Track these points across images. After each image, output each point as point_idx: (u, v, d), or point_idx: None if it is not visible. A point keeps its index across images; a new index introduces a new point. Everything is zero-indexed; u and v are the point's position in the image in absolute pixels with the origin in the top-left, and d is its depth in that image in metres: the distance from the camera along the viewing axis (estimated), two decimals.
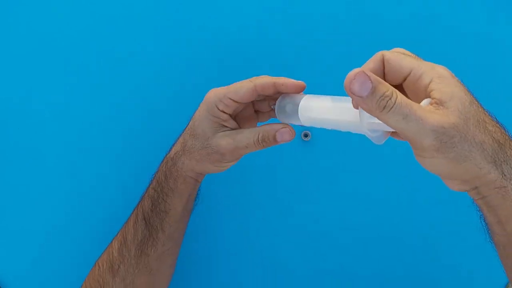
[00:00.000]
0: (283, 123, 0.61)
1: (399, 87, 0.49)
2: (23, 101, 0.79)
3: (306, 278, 0.80)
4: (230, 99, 0.61)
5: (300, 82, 0.59)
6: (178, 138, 0.67)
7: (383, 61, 0.48)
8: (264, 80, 0.60)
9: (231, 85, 0.62)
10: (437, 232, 0.80)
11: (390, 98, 0.43)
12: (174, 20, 0.80)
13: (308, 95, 0.60)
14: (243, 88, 0.60)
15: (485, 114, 0.46)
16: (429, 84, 0.46)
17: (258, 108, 0.66)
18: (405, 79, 0.48)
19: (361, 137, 0.55)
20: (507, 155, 0.46)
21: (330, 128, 0.57)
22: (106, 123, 0.80)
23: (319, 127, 0.58)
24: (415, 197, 0.80)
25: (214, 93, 0.62)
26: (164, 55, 0.80)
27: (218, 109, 0.61)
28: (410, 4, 0.79)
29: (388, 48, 0.50)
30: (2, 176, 0.79)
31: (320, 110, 0.57)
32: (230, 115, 0.62)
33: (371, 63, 0.49)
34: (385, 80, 0.48)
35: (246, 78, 0.62)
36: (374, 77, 0.44)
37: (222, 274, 0.80)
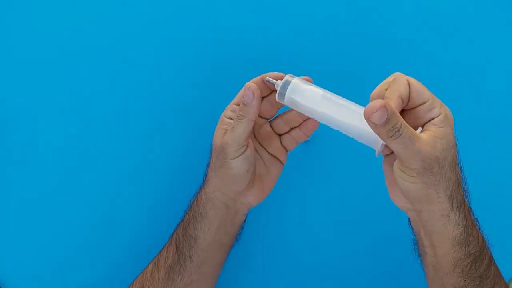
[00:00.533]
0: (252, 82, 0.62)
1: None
2: (23, 101, 0.79)
3: (307, 279, 0.80)
4: (235, 104, 0.64)
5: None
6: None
7: (408, 86, 0.54)
8: (256, 79, 0.63)
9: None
10: None
11: (398, 130, 0.51)
12: (174, 21, 0.80)
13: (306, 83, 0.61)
14: (241, 91, 0.63)
15: (457, 158, 0.56)
16: (435, 118, 0.54)
17: (276, 130, 0.67)
18: (417, 106, 0.55)
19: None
20: (459, 193, 0.56)
21: (318, 120, 0.60)
22: (106, 123, 0.80)
23: (307, 114, 0.60)
24: None
25: (226, 109, 0.65)
26: (164, 56, 0.80)
27: (226, 117, 0.64)
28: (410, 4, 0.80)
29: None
30: (2, 176, 0.79)
31: (315, 99, 0.59)
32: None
33: (397, 92, 0.54)
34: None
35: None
36: (391, 110, 0.51)
37: (222, 274, 0.80)
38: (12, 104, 0.79)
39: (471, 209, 0.59)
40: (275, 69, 0.77)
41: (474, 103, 0.80)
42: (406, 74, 0.56)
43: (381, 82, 0.56)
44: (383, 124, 0.51)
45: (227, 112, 0.65)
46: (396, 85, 0.54)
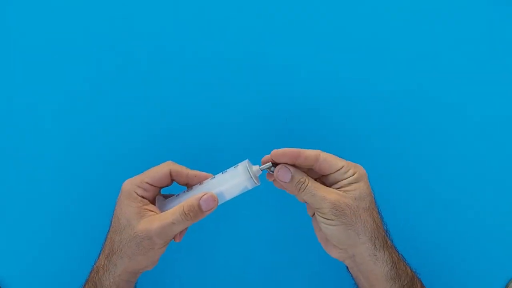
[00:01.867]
0: (203, 192, 0.63)
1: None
2: (23, 102, 0.79)
3: (308, 280, 0.81)
4: (147, 183, 0.64)
5: (209, 174, 0.66)
6: (104, 243, 0.66)
7: (318, 159, 0.63)
8: (179, 168, 0.65)
9: (146, 171, 0.66)
10: (437, 233, 0.80)
11: (303, 183, 0.62)
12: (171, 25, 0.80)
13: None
14: (158, 172, 0.65)
15: (374, 206, 0.64)
16: (350, 177, 0.63)
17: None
18: (333, 172, 0.63)
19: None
20: (380, 234, 0.64)
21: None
22: (106, 124, 0.80)
23: None
24: (415, 198, 0.80)
25: (130, 182, 0.65)
26: (165, 56, 0.80)
27: (137, 194, 0.64)
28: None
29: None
30: (2, 177, 0.79)
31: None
32: (150, 200, 0.65)
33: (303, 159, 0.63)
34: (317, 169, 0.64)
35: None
36: (293, 169, 0.63)
37: (223, 275, 0.80)
38: (12, 104, 0.79)
39: (394, 246, 0.66)
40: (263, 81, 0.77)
41: (474, 104, 0.80)
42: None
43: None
44: (290, 180, 0.62)
45: (138, 189, 0.64)
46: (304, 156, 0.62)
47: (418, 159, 0.80)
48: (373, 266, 0.64)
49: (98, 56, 0.79)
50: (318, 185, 0.63)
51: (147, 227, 0.62)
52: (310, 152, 0.62)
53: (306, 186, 0.62)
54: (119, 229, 0.63)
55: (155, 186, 0.65)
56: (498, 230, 0.80)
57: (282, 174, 0.62)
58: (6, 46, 0.79)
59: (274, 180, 0.65)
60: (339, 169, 0.62)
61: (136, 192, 0.64)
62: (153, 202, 0.66)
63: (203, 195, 0.62)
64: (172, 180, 0.66)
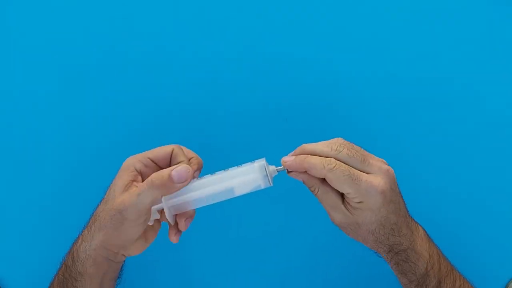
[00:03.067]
0: (184, 164, 0.60)
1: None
2: (23, 101, 0.79)
3: (309, 281, 0.81)
4: (149, 158, 0.62)
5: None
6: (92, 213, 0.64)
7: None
8: (180, 151, 0.62)
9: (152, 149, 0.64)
10: (437, 232, 0.80)
11: (313, 191, 0.61)
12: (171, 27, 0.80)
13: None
14: (162, 150, 0.63)
15: (387, 224, 0.62)
16: (355, 203, 0.60)
17: None
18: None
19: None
20: (380, 248, 0.63)
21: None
22: (107, 124, 0.80)
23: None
24: (415, 198, 0.80)
25: (133, 156, 0.63)
26: (165, 57, 0.80)
27: (135, 168, 0.62)
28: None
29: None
30: (2, 177, 0.79)
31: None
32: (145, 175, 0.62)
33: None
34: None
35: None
36: (306, 177, 0.61)
37: (225, 275, 0.80)
38: (12, 104, 0.79)
39: (411, 247, 0.64)
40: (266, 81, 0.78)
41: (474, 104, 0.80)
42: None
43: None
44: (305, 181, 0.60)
45: (138, 163, 0.62)
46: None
47: (418, 159, 0.80)
48: (412, 252, 0.64)
49: (99, 54, 0.79)
50: (324, 198, 0.61)
51: (121, 200, 0.59)
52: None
53: (315, 193, 0.61)
54: (106, 200, 0.61)
55: (156, 164, 0.63)
56: (498, 230, 0.80)
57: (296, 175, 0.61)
58: (6, 46, 0.79)
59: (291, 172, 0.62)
60: (346, 193, 0.60)
61: (134, 166, 0.62)
62: None
63: (178, 166, 0.59)
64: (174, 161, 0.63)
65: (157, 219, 0.65)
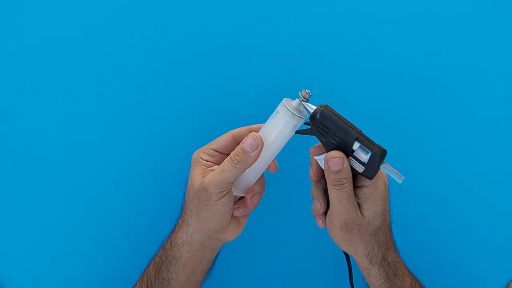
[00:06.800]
0: (248, 135, 0.63)
1: None
2: (23, 102, 0.79)
3: (310, 280, 0.81)
4: (212, 149, 0.66)
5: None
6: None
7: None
8: (240, 129, 0.66)
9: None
10: (437, 232, 0.80)
11: (343, 184, 0.61)
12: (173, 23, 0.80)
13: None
14: (222, 138, 0.66)
15: (385, 224, 0.65)
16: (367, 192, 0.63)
17: None
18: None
19: None
20: (379, 253, 0.65)
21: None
22: (105, 124, 0.80)
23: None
24: (415, 198, 0.80)
25: (197, 150, 0.67)
26: (165, 57, 0.80)
27: (202, 159, 0.66)
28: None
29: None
30: (3, 177, 0.79)
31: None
32: (214, 164, 0.66)
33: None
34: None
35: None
36: (347, 165, 0.61)
37: (229, 274, 0.80)
38: (13, 104, 0.79)
39: (397, 261, 0.67)
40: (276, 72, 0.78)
41: (473, 103, 0.80)
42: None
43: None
44: (334, 172, 0.61)
45: (204, 155, 0.66)
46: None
47: (417, 159, 0.80)
48: (367, 276, 0.67)
49: (98, 56, 0.79)
50: (351, 194, 0.62)
51: (204, 179, 0.63)
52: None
53: (343, 188, 0.62)
54: (188, 190, 0.66)
55: (220, 153, 0.66)
56: (498, 230, 0.80)
57: (336, 162, 0.61)
58: (6, 46, 0.80)
59: (314, 155, 0.64)
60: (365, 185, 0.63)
61: (201, 157, 0.65)
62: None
63: (245, 138, 0.62)
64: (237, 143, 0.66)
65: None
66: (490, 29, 0.80)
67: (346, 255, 0.70)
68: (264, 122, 0.64)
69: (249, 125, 0.67)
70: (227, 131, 0.67)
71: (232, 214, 0.66)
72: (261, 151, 0.62)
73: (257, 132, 0.64)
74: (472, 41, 0.80)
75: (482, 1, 0.80)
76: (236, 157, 0.62)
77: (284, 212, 0.80)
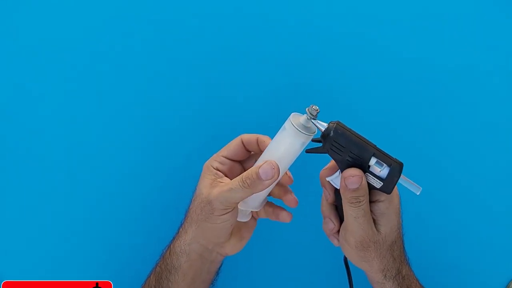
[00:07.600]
0: (264, 160, 0.61)
1: None
2: (23, 103, 0.79)
3: (311, 279, 0.81)
4: (223, 156, 0.65)
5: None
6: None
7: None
8: (249, 136, 0.65)
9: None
10: (437, 232, 0.80)
11: (360, 202, 0.60)
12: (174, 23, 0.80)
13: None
14: (232, 144, 0.66)
15: (399, 237, 0.65)
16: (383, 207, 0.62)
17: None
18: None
19: None
20: (394, 267, 0.64)
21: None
22: (105, 124, 0.80)
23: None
24: (415, 198, 0.80)
25: (210, 159, 0.67)
26: (166, 57, 0.80)
27: (213, 167, 0.65)
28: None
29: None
30: (3, 177, 0.79)
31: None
32: (226, 174, 0.65)
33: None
34: None
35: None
36: (365, 182, 0.60)
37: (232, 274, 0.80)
38: (13, 104, 0.79)
39: (409, 275, 0.66)
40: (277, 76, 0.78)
41: (473, 103, 0.80)
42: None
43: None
44: (352, 190, 0.59)
45: (214, 163, 0.65)
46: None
47: (417, 159, 0.80)
48: None
49: (98, 56, 0.79)
50: (367, 211, 0.61)
51: (209, 192, 0.62)
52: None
53: (359, 206, 0.61)
54: (194, 198, 0.65)
55: (231, 160, 0.66)
56: (499, 230, 0.80)
57: (354, 180, 0.60)
58: (6, 46, 0.80)
59: (327, 171, 0.63)
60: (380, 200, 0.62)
61: (212, 166, 0.65)
62: (230, 175, 0.66)
63: (264, 164, 0.61)
64: (248, 151, 0.66)
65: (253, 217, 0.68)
66: (490, 29, 0.80)
67: (346, 263, 0.69)
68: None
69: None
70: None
71: (237, 230, 0.67)
72: (275, 181, 0.61)
73: (266, 145, 0.63)
74: (472, 41, 0.80)
75: (482, 1, 0.80)
76: (248, 180, 0.61)
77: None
